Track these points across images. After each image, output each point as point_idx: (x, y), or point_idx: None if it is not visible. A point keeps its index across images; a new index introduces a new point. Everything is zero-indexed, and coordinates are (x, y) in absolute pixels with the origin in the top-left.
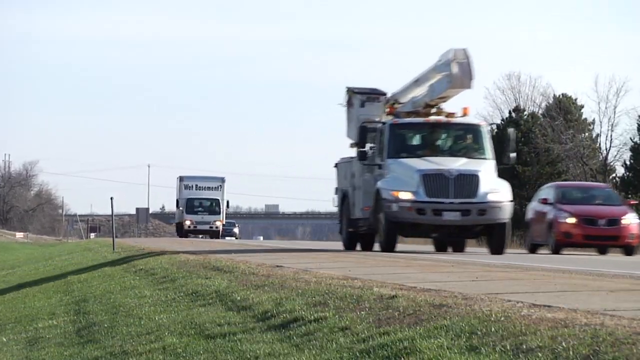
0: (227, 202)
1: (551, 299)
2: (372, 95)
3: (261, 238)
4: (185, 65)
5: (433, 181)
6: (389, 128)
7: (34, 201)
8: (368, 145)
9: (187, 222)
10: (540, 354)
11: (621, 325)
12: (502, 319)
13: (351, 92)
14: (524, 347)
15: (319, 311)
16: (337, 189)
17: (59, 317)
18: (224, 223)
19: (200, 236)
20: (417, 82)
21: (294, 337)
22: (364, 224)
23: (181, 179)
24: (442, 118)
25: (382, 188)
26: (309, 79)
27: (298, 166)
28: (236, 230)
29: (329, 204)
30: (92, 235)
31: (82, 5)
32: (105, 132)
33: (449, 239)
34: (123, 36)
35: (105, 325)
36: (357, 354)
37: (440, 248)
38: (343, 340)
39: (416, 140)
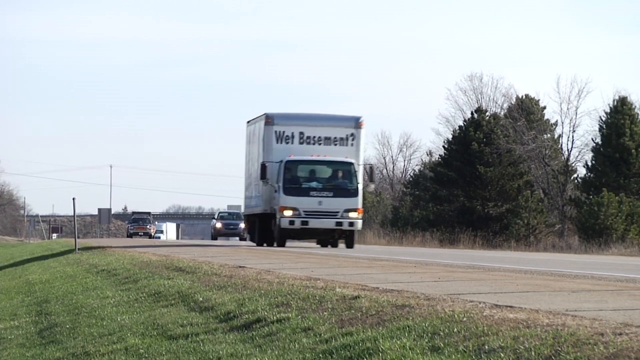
0: (371, 167)
1: (513, 299)
2: None
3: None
4: (144, 65)
5: None
6: None
7: None
8: None
9: (287, 214)
10: (502, 355)
11: (583, 325)
12: (465, 319)
13: None
14: (486, 347)
15: (281, 312)
16: None
17: (21, 318)
18: (362, 214)
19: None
20: None
21: (257, 338)
22: None
23: (268, 120)
24: None
25: None
26: (270, 78)
27: None
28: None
29: None
30: (54, 235)
31: (34, 4)
32: (66, 133)
33: None
34: (82, 37)
35: (67, 326)
36: (320, 355)
37: None
38: (306, 341)
39: None
